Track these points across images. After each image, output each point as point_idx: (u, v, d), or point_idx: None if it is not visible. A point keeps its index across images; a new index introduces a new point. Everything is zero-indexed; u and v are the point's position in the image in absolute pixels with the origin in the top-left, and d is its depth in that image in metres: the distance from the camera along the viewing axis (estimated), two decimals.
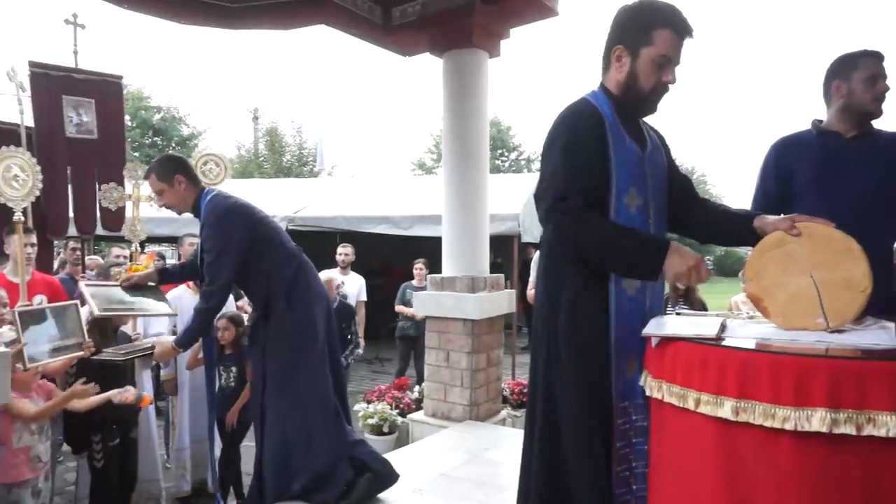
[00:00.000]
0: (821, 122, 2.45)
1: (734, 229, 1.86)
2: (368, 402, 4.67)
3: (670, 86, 1.78)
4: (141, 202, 3.85)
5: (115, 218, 4.37)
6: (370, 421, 4.38)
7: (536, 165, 28.33)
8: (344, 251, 6.00)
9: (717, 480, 1.43)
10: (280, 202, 9.02)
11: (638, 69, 1.76)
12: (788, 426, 1.31)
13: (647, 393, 1.68)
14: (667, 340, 1.63)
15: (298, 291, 2.90)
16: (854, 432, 1.26)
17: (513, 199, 8.27)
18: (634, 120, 1.87)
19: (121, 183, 4.09)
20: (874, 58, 2.33)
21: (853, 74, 2.32)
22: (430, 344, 4.32)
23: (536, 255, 4.20)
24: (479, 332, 4.19)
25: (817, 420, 1.29)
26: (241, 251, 2.81)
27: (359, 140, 55.25)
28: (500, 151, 26.55)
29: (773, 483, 1.35)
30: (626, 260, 1.68)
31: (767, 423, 1.34)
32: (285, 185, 11.93)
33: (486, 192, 4.44)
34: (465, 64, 4.33)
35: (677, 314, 2.06)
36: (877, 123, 2.38)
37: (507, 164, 27.18)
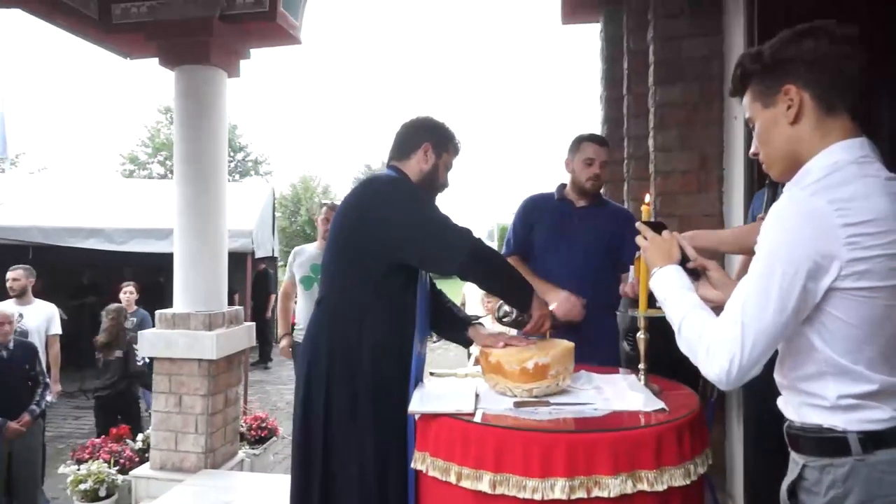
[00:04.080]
0: (564, 186, 2.77)
1: (452, 328, 2.26)
2: (79, 461, 4.00)
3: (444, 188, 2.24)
4: None
5: None
6: (82, 486, 3.74)
7: (264, 168, 27.47)
8: (13, 276, 4.82)
9: None
10: None
11: (440, 166, 2.17)
12: (537, 496, 1.50)
13: (412, 465, 1.76)
14: (430, 415, 1.74)
15: None
16: (586, 496, 1.49)
17: (247, 214, 7.90)
18: None
19: None
20: (593, 143, 2.66)
21: (576, 155, 2.66)
22: (160, 388, 3.89)
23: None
24: (216, 372, 3.91)
25: (559, 488, 1.50)
26: None
27: (52, 122, 46.95)
28: None
29: None
30: (514, 286, 2.04)
31: (520, 495, 1.51)
32: None
33: (225, 221, 4.16)
34: (202, 83, 4.00)
35: (431, 374, 2.21)
36: None
37: (233, 165, 25.80)
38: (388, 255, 1.94)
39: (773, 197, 2.41)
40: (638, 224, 1.57)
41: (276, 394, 8.32)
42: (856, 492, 1.08)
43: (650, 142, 3.33)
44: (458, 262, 1.92)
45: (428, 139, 2.14)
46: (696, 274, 1.51)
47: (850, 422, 1.10)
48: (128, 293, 5.87)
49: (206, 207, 4.00)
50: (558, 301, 2.44)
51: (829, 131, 1.15)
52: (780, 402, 1.25)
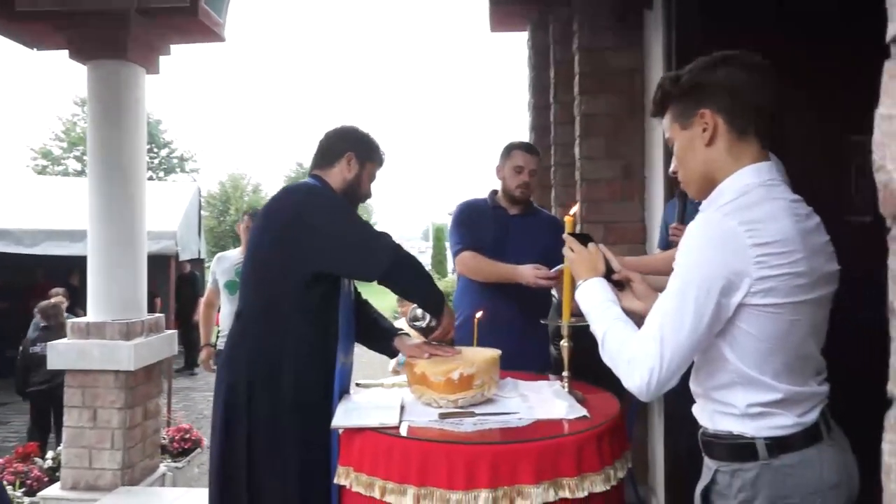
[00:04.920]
0: (496, 192, 2.78)
1: (377, 338, 2.24)
2: None
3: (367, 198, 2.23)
4: None
5: None
6: None
7: (191, 165, 26.47)
8: None
9: None
10: None
11: (363, 175, 2.15)
12: None
13: (335, 481, 1.73)
14: (354, 429, 1.71)
15: None
16: None
17: (170, 214, 7.60)
18: None
19: None
20: (523, 151, 2.68)
21: (506, 162, 2.67)
22: (72, 402, 3.67)
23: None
24: (134, 383, 3.73)
25: (482, 499, 1.50)
26: None
27: None
28: (148, 147, 24.02)
29: None
30: (431, 292, 2.06)
31: None
32: None
33: (144, 224, 3.97)
34: (119, 79, 3.80)
35: (357, 384, 2.17)
36: None
37: (156, 162, 24.71)
38: (308, 265, 1.90)
39: (684, 207, 2.51)
40: (564, 235, 1.59)
41: (202, 401, 8.01)
42: (763, 494, 1.14)
43: (576, 150, 3.41)
44: (380, 270, 1.92)
45: (351, 148, 2.13)
46: (620, 285, 1.55)
47: (758, 429, 1.15)
48: (57, 302, 5.51)
49: (123, 210, 3.80)
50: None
51: (741, 154, 1.20)
52: (695, 410, 1.30)
